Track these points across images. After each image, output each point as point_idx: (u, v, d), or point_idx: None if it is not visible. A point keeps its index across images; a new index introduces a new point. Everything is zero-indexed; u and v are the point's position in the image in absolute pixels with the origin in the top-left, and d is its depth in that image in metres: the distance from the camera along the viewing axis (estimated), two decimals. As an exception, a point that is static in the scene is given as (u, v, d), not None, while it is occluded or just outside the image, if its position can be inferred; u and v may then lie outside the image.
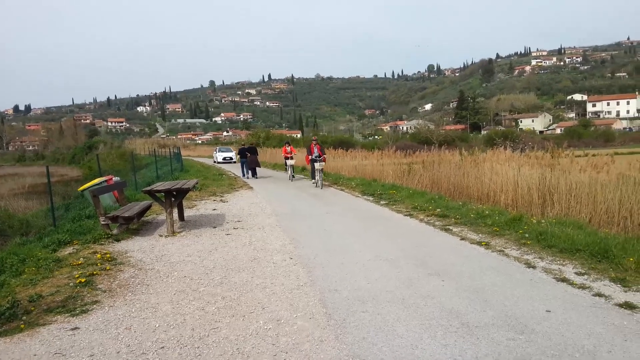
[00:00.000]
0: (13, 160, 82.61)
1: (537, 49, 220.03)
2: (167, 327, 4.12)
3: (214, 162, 38.69)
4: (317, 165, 16.00)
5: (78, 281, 5.34)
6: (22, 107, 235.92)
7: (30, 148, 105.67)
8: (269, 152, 37.57)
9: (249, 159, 21.82)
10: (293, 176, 19.75)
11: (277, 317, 4.30)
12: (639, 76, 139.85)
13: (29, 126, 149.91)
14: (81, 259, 6.38)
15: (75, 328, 4.16)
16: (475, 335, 3.78)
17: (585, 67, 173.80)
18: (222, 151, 41.22)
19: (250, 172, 21.82)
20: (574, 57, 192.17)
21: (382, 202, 12.03)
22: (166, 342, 3.81)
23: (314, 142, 16.96)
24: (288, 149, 20.50)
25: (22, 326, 4.18)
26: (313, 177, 16.67)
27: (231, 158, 37.90)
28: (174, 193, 8.66)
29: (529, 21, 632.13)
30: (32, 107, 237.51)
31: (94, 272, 5.74)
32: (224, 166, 31.94)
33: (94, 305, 4.71)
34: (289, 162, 19.83)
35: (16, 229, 10.16)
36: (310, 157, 16.45)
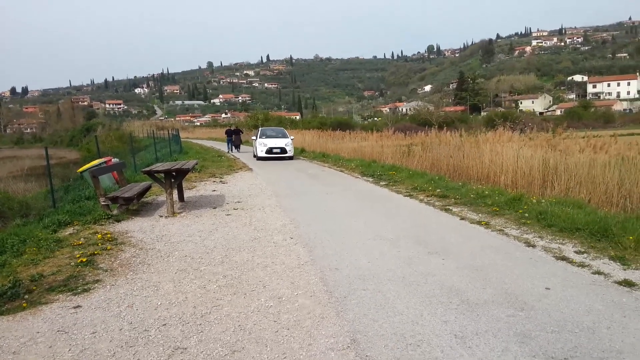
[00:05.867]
0: (11, 143, 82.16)
1: (538, 29, 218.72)
2: (169, 305, 4.14)
3: (254, 155, 22.43)
4: None
5: (79, 261, 5.35)
6: (19, 89, 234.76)
7: (28, 130, 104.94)
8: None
9: (235, 138, 28.57)
10: None
11: (278, 295, 4.32)
12: (639, 57, 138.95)
13: (26, 108, 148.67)
14: (82, 239, 6.40)
15: (78, 306, 4.18)
16: (475, 312, 3.80)
17: (586, 48, 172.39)
18: (269, 136, 22.42)
19: (235, 148, 28.19)
20: (575, 38, 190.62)
21: (382, 183, 12.04)
22: (168, 320, 3.83)
23: None
24: None
25: (25, 305, 4.20)
26: None
27: (283, 150, 21.01)
28: (174, 174, 8.64)
29: (530, 1, 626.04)
30: (29, 89, 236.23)
31: (95, 252, 5.76)
32: (223, 148, 31.30)
33: (96, 284, 4.73)
34: None
35: (16, 210, 10.16)
36: None
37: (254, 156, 22.25)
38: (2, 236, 6.28)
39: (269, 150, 20.93)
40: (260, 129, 24.95)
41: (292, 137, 22.89)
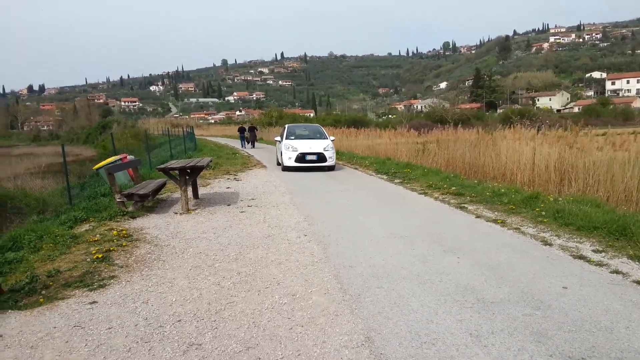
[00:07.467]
0: (28, 140, 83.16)
1: (556, 26, 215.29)
2: (183, 301, 4.16)
3: (279, 163, 16.16)
4: None
5: (95, 257, 5.40)
6: (36, 87, 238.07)
7: (45, 128, 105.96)
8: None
9: (249, 135, 30.49)
10: None
11: (292, 292, 4.32)
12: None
13: (43, 106, 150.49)
14: (97, 235, 6.46)
15: (94, 302, 4.21)
16: (490, 311, 3.76)
17: (605, 44, 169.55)
18: (300, 136, 16.08)
19: (249, 143, 30.27)
20: (594, 34, 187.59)
21: (396, 181, 11.99)
22: (183, 316, 3.85)
23: None
24: None
25: (42, 300, 4.25)
26: None
27: (321, 157, 14.59)
28: (188, 171, 8.68)
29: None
30: (45, 87, 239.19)
31: (111, 248, 5.80)
32: (238, 145, 31.57)
33: (112, 280, 4.77)
34: None
35: (33, 207, 10.29)
36: None
37: (278, 164, 16.33)
38: (20, 232, 6.37)
39: (301, 158, 14.57)
40: (286, 126, 17.33)
41: (332, 138, 16.46)
